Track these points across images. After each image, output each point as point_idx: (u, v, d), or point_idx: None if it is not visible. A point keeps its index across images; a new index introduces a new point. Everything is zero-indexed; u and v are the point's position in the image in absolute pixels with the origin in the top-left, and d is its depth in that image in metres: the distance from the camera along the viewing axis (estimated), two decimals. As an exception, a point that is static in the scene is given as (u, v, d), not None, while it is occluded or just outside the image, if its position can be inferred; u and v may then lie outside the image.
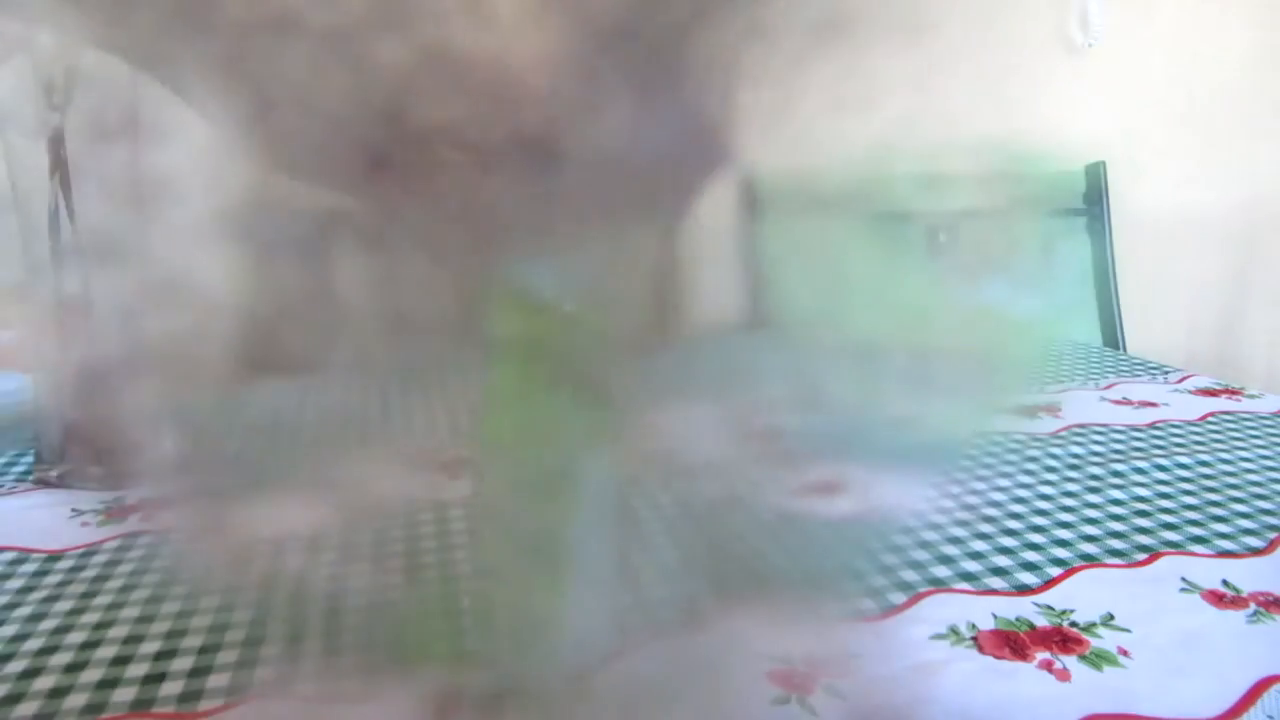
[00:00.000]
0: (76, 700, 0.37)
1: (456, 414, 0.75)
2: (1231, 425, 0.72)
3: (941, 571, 0.47)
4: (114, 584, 0.46)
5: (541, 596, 0.35)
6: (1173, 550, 0.50)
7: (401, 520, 0.52)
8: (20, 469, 0.63)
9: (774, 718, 0.35)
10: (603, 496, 0.36)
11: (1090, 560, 0.49)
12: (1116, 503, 0.57)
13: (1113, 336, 1.43)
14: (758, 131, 0.38)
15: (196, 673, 0.38)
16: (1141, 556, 0.49)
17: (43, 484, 0.60)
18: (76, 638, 0.41)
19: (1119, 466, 0.63)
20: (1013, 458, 0.65)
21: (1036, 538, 0.51)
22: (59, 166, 0.56)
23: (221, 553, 0.44)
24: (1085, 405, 0.78)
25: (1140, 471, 0.62)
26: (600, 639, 0.37)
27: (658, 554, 0.46)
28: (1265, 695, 0.37)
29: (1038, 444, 0.67)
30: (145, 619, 0.43)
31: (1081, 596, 0.45)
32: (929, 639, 0.41)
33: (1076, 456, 0.65)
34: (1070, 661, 0.39)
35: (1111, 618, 0.43)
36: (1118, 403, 0.79)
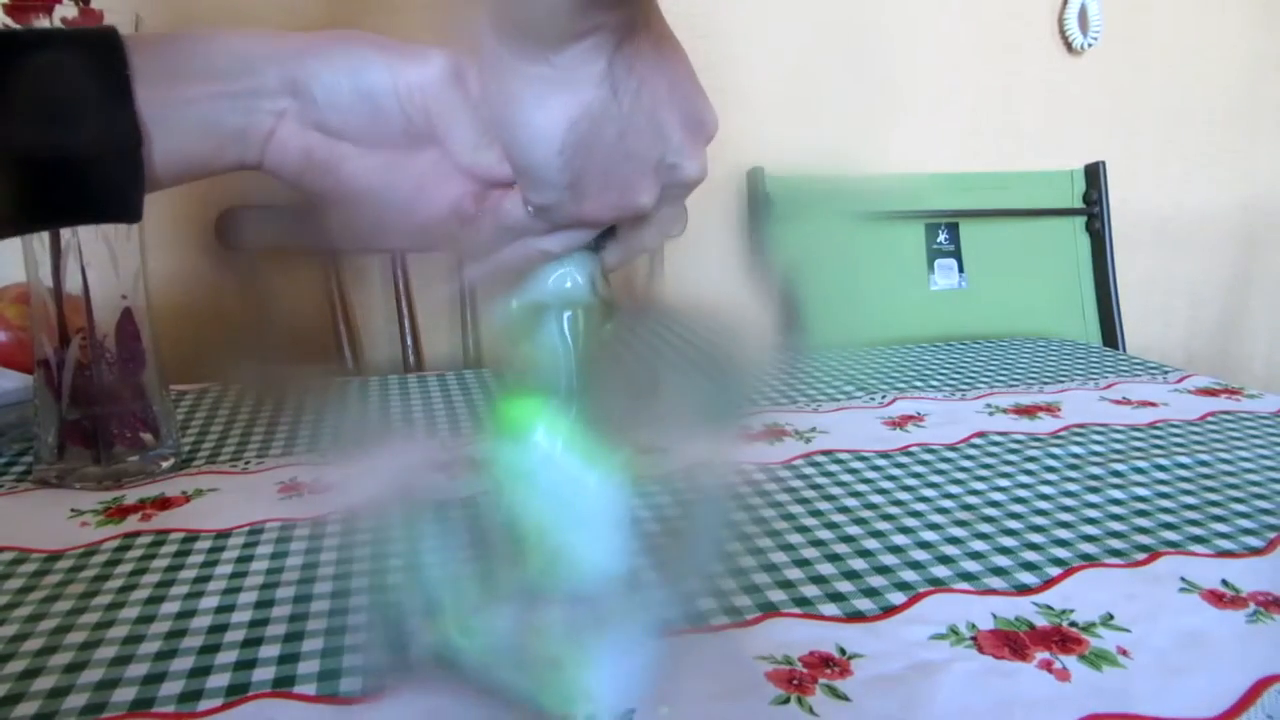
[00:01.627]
0: (76, 700, 0.37)
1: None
2: (1231, 425, 0.72)
3: (941, 571, 0.47)
4: (113, 584, 0.46)
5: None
6: (1172, 550, 0.50)
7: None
8: (20, 469, 0.63)
9: (774, 718, 0.35)
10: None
11: (1090, 560, 0.49)
12: (1116, 502, 0.57)
13: (1113, 336, 1.44)
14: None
15: (196, 673, 0.38)
16: (1141, 556, 0.49)
17: (43, 484, 0.60)
18: (76, 638, 0.41)
19: (1119, 466, 0.63)
20: (1013, 458, 0.65)
21: (1036, 537, 0.51)
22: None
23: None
24: (1085, 405, 0.78)
25: (1140, 471, 0.62)
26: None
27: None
28: (1265, 695, 0.37)
29: (1038, 444, 0.67)
30: (145, 619, 0.43)
31: (1081, 596, 0.45)
32: (929, 639, 0.41)
33: (1076, 456, 0.65)
34: (1070, 661, 0.39)
35: (1111, 618, 0.43)
36: (1118, 403, 0.79)
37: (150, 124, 0.34)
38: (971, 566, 0.48)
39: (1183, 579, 0.47)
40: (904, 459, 0.64)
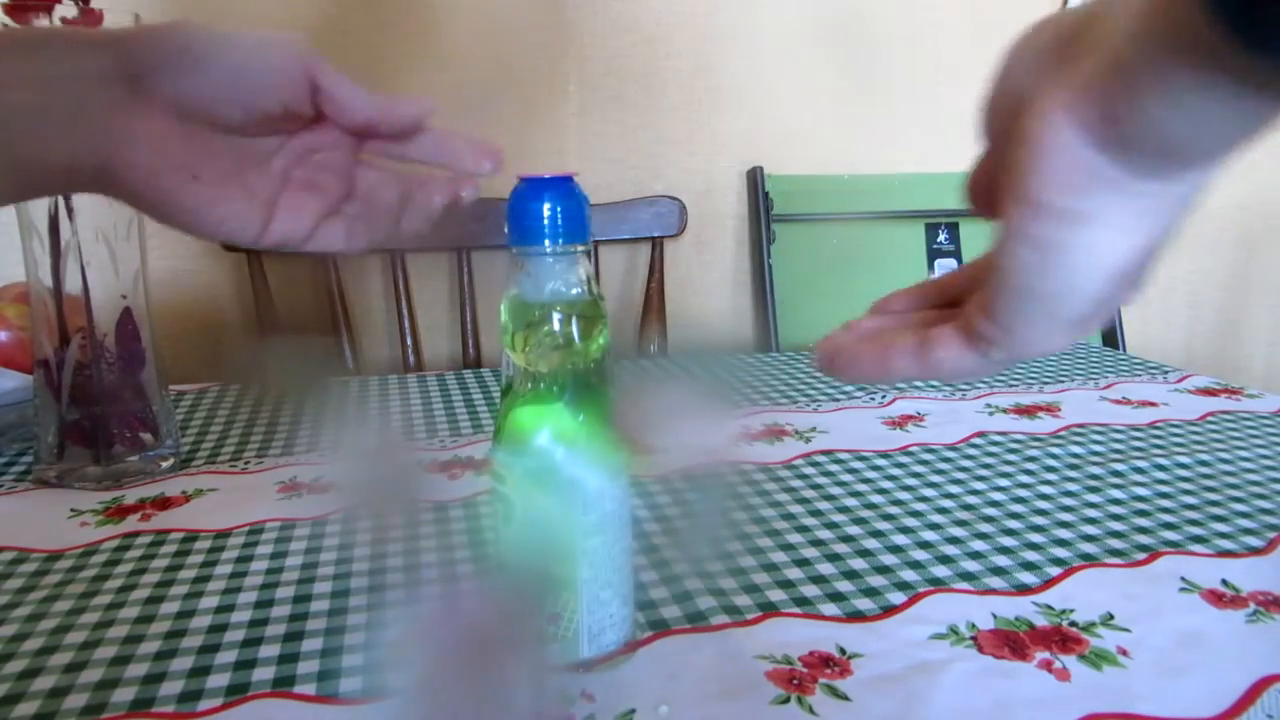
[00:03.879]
0: (76, 700, 0.37)
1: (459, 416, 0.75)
2: (1231, 425, 0.72)
3: (941, 571, 0.47)
4: (113, 584, 0.46)
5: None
6: (1172, 550, 0.50)
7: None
8: (20, 469, 0.63)
9: (774, 717, 0.35)
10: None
11: (1090, 560, 0.49)
12: (1116, 502, 0.57)
13: (1113, 336, 1.44)
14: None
15: (196, 673, 0.38)
16: (1141, 556, 0.49)
17: (42, 484, 0.60)
18: (76, 638, 0.41)
19: (1119, 466, 0.63)
20: (1013, 458, 0.65)
21: (1036, 537, 0.51)
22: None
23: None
24: (1085, 405, 0.78)
25: (1140, 471, 0.62)
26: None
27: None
28: (1264, 695, 0.37)
29: (1038, 444, 0.67)
30: (145, 619, 0.43)
31: (1081, 596, 0.45)
32: (929, 639, 0.41)
33: (1076, 456, 0.65)
34: (1070, 661, 0.39)
35: (1111, 617, 0.43)
36: (1118, 402, 0.79)
37: None
38: (971, 566, 0.48)
39: (1183, 579, 0.47)
40: (904, 459, 0.64)
